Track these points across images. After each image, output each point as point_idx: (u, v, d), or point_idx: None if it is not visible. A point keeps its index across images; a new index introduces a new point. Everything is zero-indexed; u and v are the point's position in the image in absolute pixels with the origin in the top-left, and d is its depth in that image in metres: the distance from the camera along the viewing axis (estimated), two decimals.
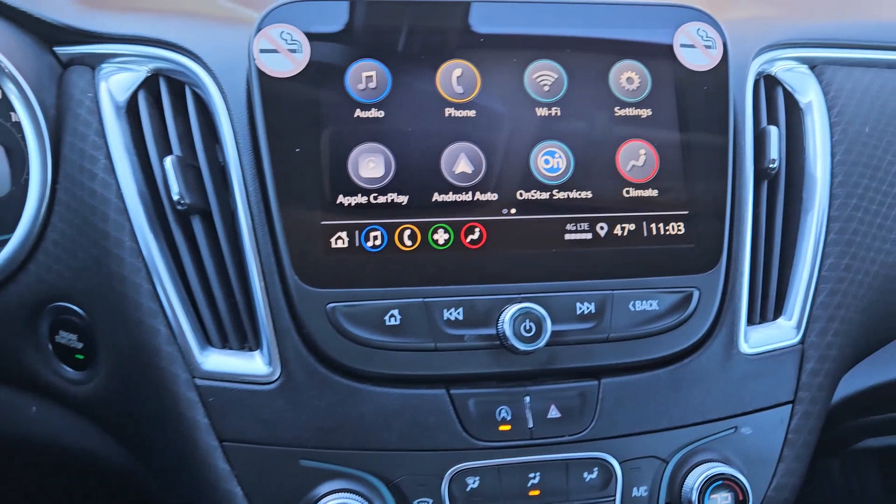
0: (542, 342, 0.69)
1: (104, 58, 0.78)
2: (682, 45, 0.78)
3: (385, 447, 0.68)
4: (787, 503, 0.76)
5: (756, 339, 0.78)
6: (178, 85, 0.77)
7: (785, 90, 0.88)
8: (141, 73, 0.77)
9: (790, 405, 0.77)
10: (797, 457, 0.76)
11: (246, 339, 0.72)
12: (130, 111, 0.76)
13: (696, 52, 0.79)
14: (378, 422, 0.68)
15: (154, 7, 0.83)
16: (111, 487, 0.96)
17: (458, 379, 0.70)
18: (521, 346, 0.68)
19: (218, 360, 0.70)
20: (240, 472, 0.67)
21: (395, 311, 0.69)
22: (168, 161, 0.71)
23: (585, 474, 0.70)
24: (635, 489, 0.71)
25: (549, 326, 0.69)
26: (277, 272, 0.70)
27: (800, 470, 0.76)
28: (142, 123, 0.75)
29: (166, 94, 0.76)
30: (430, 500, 0.68)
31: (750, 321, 0.79)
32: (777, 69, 0.88)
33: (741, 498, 0.71)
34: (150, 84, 0.77)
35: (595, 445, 0.71)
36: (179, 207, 0.71)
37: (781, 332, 0.79)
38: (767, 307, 0.81)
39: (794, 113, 0.87)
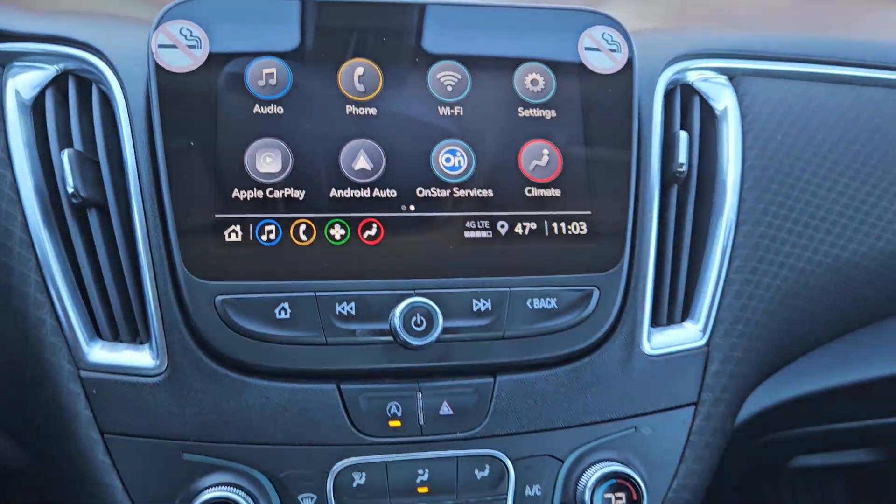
0: (432, 336, 0.68)
1: (15, 56, 0.79)
2: (587, 49, 0.79)
3: (270, 441, 0.67)
4: None
5: (660, 341, 0.78)
6: (87, 84, 0.78)
7: (702, 98, 0.89)
8: (50, 71, 0.78)
9: (693, 406, 0.76)
10: (699, 458, 0.75)
11: (138, 333, 0.71)
12: (37, 109, 0.76)
13: (600, 55, 0.79)
14: (264, 416, 0.67)
15: (66, 8, 0.84)
16: (4, 486, 0.94)
17: (348, 374, 0.70)
18: (411, 341, 0.68)
19: (105, 353, 0.69)
20: (120, 466, 0.66)
21: (286, 305, 0.69)
22: (65, 154, 0.71)
23: (476, 471, 0.69)
24: (528, 488, 0.70)
25: (440, 321, 0.69)
26: (168, 264, 0.69)
27: (702, 471, 0.75)
28: (46, 120, 0.76)
29: (73, 91, 0.77)
30: (315, 496, 0.67)
31: (656, 323, 0.79)
32: (693, 78, 0.89)
33: (635, 498, 0.70)
34: (59, 83, 0.78)
35: (487, 443, 0.70)
36: (74, 201, 0.71)
37: (687, 335, 0.79)
38: (675, 310, 0.80)
39: (710, 121, 0.88)
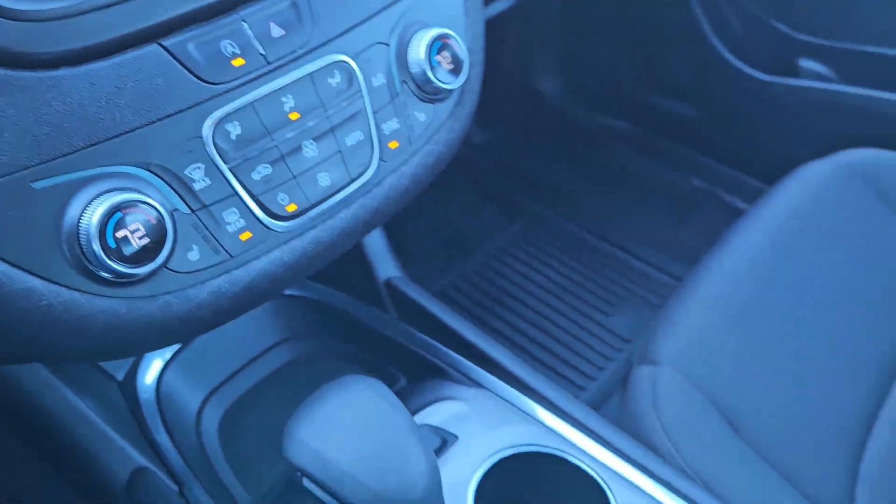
0: None
1: None
2: None
3: (125, 130, 0.57)
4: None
5: None
6: None
7: None
8: None
9: None
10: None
11: None
12: None
13: None
14: (102, 106, 0.56)
15: None
16: None
17: (163, 28, 0.59)
18: None
19: None
20: None
21: None
22: None
23: (329, 80, 0.68)
24: (374, 79, 0.72)
25: None
26: None
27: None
28: None
29: None
30: (202, 165, 0.61)
31: None
32: None
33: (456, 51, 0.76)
34: None
35: (327, 49, 0.68)
36: None
37: None
38: None
39: None
